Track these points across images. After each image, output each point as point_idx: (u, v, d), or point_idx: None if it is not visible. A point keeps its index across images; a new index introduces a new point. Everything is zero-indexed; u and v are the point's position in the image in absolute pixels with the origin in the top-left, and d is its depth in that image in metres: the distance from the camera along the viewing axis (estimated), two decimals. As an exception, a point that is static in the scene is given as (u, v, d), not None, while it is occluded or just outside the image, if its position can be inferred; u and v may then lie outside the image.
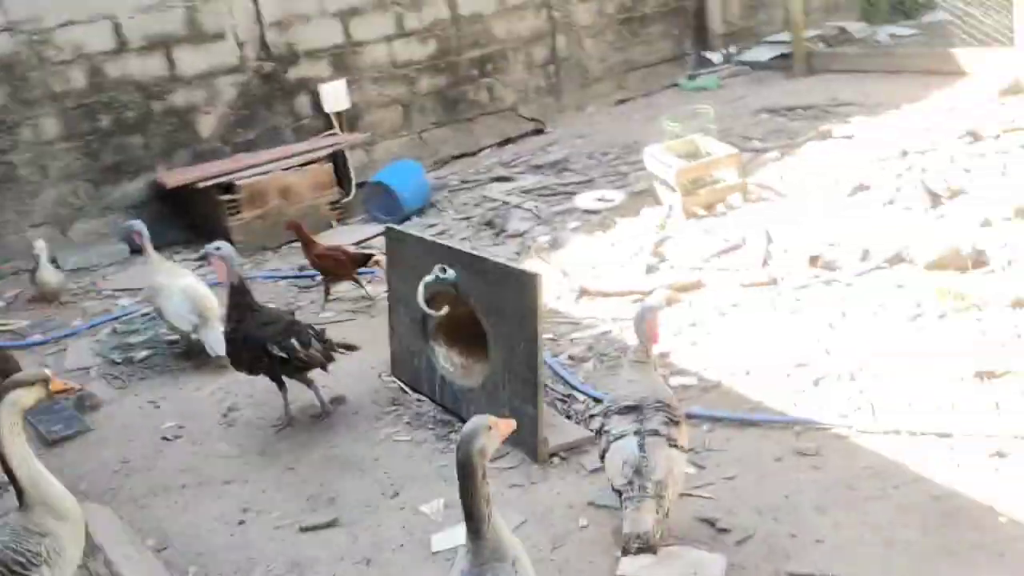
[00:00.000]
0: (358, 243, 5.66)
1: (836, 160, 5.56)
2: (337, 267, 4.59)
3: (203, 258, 3.50)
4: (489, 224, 5.59)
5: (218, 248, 3.23)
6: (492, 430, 1.86)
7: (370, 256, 4.62)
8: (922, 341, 3.35)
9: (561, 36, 7.75)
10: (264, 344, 3.15)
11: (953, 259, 3.93)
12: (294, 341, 3.15)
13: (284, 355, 3.16)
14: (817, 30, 8.91)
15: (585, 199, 5.69)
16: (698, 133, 5.56)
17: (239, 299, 3.17)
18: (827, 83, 7.50)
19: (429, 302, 3.23)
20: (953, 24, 7.65)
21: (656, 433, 2.48)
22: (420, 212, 6.06)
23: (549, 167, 6.68)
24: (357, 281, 4.67)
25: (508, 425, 1.92)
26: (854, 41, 8.85)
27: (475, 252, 3.15)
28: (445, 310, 3.24)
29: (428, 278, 3.13)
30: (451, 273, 3.11)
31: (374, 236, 5.67)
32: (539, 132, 7.70)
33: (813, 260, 4.17)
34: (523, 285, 2.84)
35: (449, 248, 3.26)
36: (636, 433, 2.47)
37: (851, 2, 9.73)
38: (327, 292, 4.69)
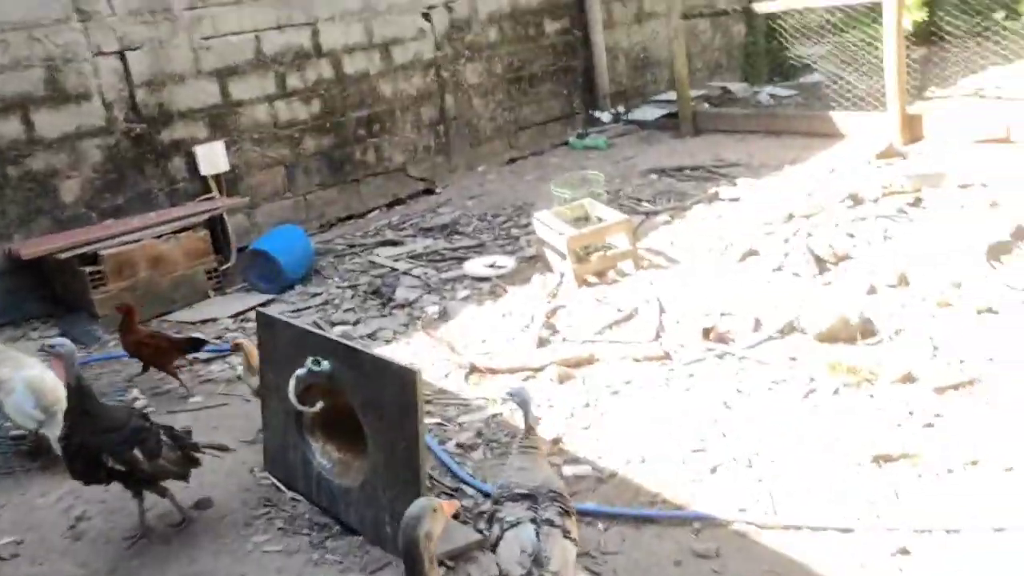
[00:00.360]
0: (236, 314, 5.33)
1: (725, 223, 5.57)
2: (157, 355, 4.22)
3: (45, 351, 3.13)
4: (376, 293, 5.34)
5: (56, 346, 2.87)
6: (437, 512, 1.76)
7: (200, 341, 4.28)
8: (817, 421, 3.28)
9: (450, 96, 7.64)
10: (99, 455, 2.80)
11: (842, 329, 3.92)
12: (137, 452, 2.79)
13: (123, 468, 2.81)
14: (702, 90, 9.11)
15: (475, 265, 5.51)
16: (588, 198, 5.49)
17: (76, 401, 2.81)
18: (713, 143, 7.62)
19: (303, 395, 2.97)
20: (828, 86, 7.94)
21: (551, 523, 2.31)
22: (304, 279, 5.76)
23: (439, 230, 6.50)
24: (174, 374, 4.27)
25: (452, 506, 1.85)
26: (737, 100, 9.09)
27: (350, 344, 2.91)
28: (320, 405, 2.98)
29: (300, 371, 2.86)
30: (325, 365, 2.85)
31: (254, 307, 5.35)
32: (429, 192, 7.53)
33: (706, 332, 4.09)
34: (402, 381, 2.62)
35: (323, 337, 3.00)
36: (532, 521, 2.30)
37: (733, 63, 10.02)
38: (176, 378, 4.31)
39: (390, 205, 7.34)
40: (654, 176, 6.94)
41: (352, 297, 5.37)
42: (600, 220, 5.34)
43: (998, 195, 5.25)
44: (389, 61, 7.20)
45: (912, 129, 6.54)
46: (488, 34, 7.82)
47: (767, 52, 9.95)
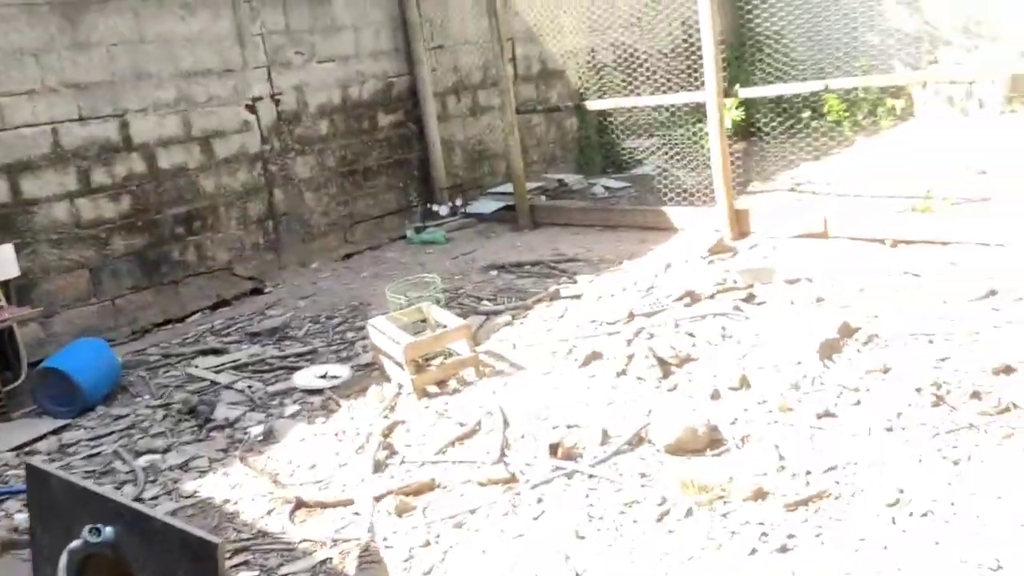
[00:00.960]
0: (20, 447, 4.63)
1: (567, 323, 5.44)
2: None
3: None
4: (192, 412, 4.80)
5: None
6: None
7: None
8: (673, 548, 3.08)
9: (279, 190, 7.26)
10: None
11: (690, 440, 3.79)
12: None
13: None
14: (539, 182, 9.16)
15: (306, 377, 5.09)
16: (425, 302, 5.22)
17: None
18: (551, 237, 7.59)
19: (84, 569, 2.46)
20: (658, 179, 8.16)
21: None
22: (108, 398, 5.14)
23: (267, 335, 6.03)
24: None
25: None
26: (573, 192, 9.19)
27: (139, 508, 2.45)
28: (102, 581, 2.48)
29: (74, 544, 2.37)
30: (107, 534, 2.38)
31: (45, 435, 4.68)
32: (258, 292, 7.05)
33: (553, 449, 3.85)
34: (200, 555, 2.20)
35: (106, 498, 2.53)
36: None
37: (568, 155, 10.18)
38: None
39: (214, 307, 6.80)
40: (494, 272, 6.78)
41: (164, 418, 4.80)
42: (439, 325, 5.08)
43: (822, 290, 5.41)
44: (210, 155, 6.76)
45: (740, 224, 6.73)
46: (319, 127, 7.54)
47: (600, 145, 10.20)
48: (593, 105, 7.39)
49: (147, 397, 5.16)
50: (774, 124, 7.71)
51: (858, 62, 10.68)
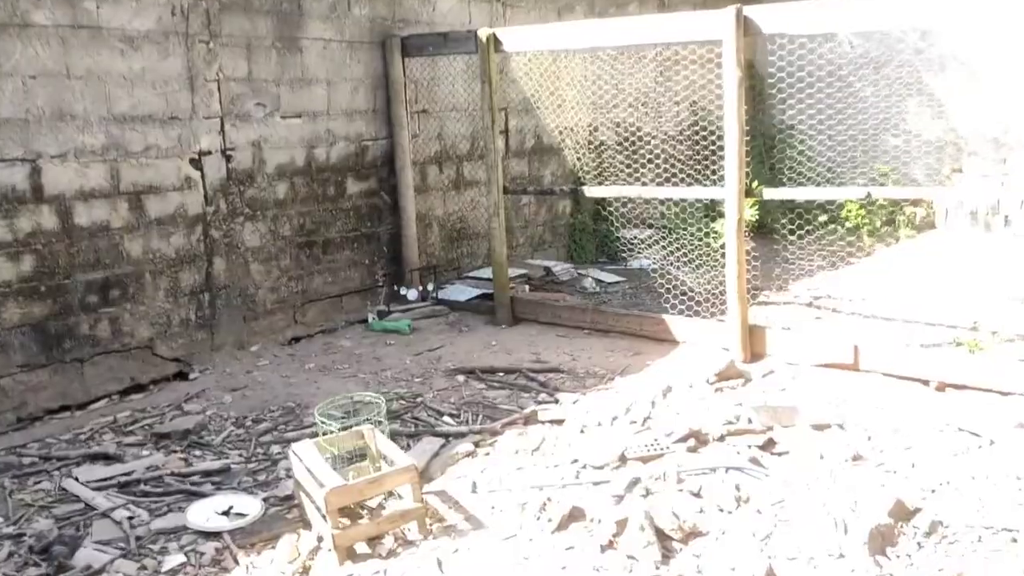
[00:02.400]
0: None
1: (542, 461, 4.39)
2: None
3: None
4: (45, 553, 3.68)
5: None
6: None
7: None
8: None
9: (220, 259, 6.23)
10: None
11: None
12: None
13: None
14: (523, 268, 8.20)
15: (204, 512, 3.98)
16: (368, 425, 4.16)
17: None
18: (532, 337, 6.58)
19: None
20: (656, 275, 7.22)
21: None
22: (-49, 517, 4.01)
23: (178, 438, 4.93)
24: None
25: None
26: (559, 284, 8.22)
27: None
28: None
29: None
30: None
31: None
32: (183, 376, 5.97)
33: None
34: None
35: None
36: None
37: (558, 240, 9.25)
38: None
39: (125, 392, 5.70)
40: (461, 378, 5.74)
41: (7, 558, 3.67)
42: (381, 456, 4.01)
43: (858, 442, 4.41)
44: (140, 213, 5.74)
45: (754, 344, 5.75)
46: (276, 190, 6.56)
47: (594, 232, 9.29)
48: (593, 192, 6.46)
49: (-1, 520, 4.03)
50: (791, 227, 6.82)
51: (878, 165, 9.91)
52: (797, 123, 8.68)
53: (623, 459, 4.32)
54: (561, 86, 8.37)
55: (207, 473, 4.45)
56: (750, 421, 4.70)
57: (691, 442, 4.46)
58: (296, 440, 4.34)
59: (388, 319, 7.04)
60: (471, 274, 8.03)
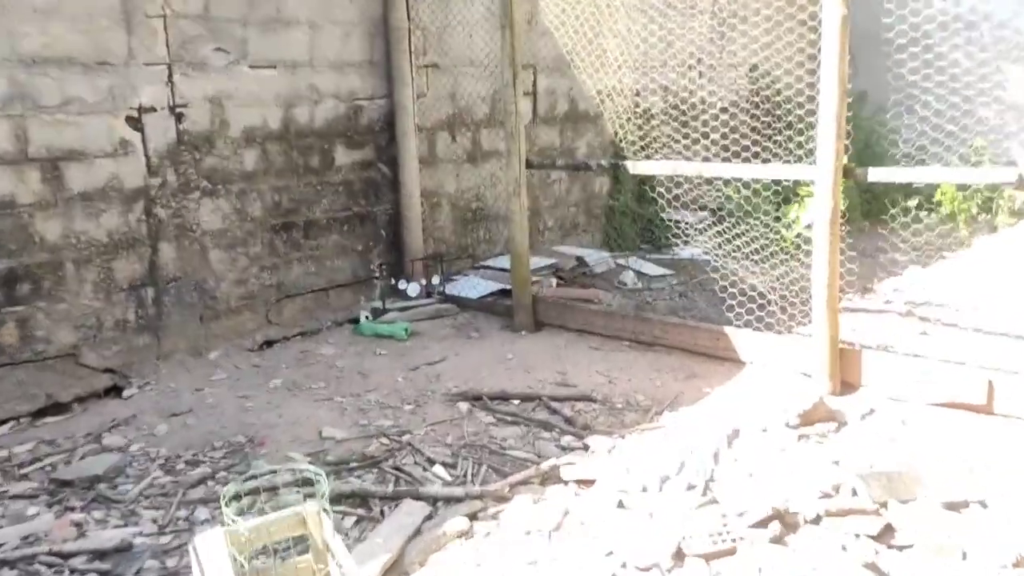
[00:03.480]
0: None
1: (561, 551, 3.10)
2: None
3: None
4: None
5: None
6: None
7: None
8: None
9: (168, 244, 4.99)
10: None
11: None
12: None
13: None
14: (550, 258, 6.88)
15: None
16: (311, 505, 2.88)
17: None
18: (558, 349, 5.27)
19: None
20: (710, 270, 5.86)
21: None
22: None
23: (83, 486, 3.72)
24: None
25: None
26: (594, 277, 6.89)
27: None
28: None
29: None
30: None
31: None
32: (118, 391, 4.76)
33: None
34: None
35: None
36: None
37: (593, 223, 7.90)
38: None
39: (39, 414, 4.49)
40: (464, 406, 4.45)
41: None
42: (326, 550, 2.74)
43: (1014, 534, 3.07)
44: (59, 186, 4.51)
45: (846, 370, 4.40)
46: (243, 159, 5.29)
47: (635, 215, 7.93)
48: (641, 168, 5.08)
49: None
50: (883, 214, 5.42)
51: (972, 140, 8.39)
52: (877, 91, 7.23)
53: (679, 555, 3.02)
54: (602, 41, 6.97)
55: (99, 554, 3.22)
56: (855, 493, 3.37)
57: (774, 527, 3.14)
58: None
59: (382, 320, 5.76)
60: (487, 263, 6.73)
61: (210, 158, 5.11)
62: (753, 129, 6.84)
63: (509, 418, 4.28)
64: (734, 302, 5.20)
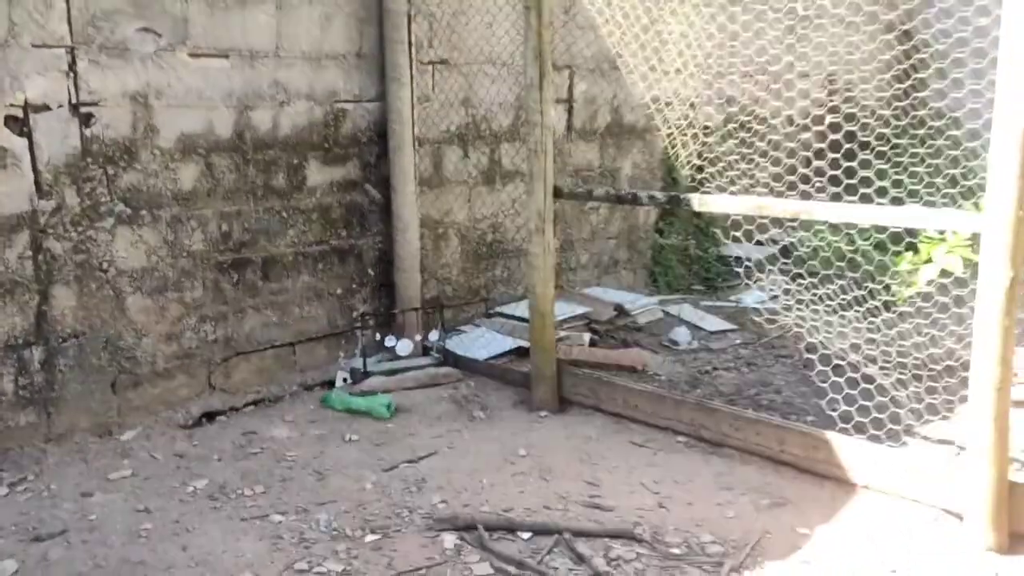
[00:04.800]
0: None
1: None
2: None
3: None
4: None
5: None
6: None
7: None
8: None
9: (65, 289, 3.71)
10: None
11: None
12: None
13: None
14: (581, 305, 5.51)
15: None
16: None
17: None
18: (589, 445, 3.89)
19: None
20: (790, 327, 4.44)
21: None
22: None
23: None
24: None
25: None
26: (636, 331, 5.51)
27: None
28: None
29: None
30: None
31: None
32: (-14, 488, 3.47)
33: None
34: None
35: None
36: None
37: (636, 258, 6.53)
38: None
39: None
40: (450, 542, 3.08)
41: None
42: None
43: None
44: None
45: (1016, 516, 2.97)
46: (179, 175, 3.99)
47: (686, 255, 6.55)
48: (713, 204, 3.66)
49: None
50: None
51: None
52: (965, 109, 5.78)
53: None
54: (658, 38, 5.60)
55: None
56: None
57: None
58: None
59: (363, 386, 4.43)
60: (503, 310, 5.38)
61: (131, 174, 3.82)
62: (818, 153, 5.44)
63: (513, 570, 2.90)
64: (826, 379, 3.79)
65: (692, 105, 6.40)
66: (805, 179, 4.22)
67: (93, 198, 3.71)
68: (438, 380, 4.57)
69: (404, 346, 4.67)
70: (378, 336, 4.74)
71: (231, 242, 4.23)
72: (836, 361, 4.00)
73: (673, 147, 5.37)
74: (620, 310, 5.64)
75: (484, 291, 5.47)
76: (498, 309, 5.44)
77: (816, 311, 4.53)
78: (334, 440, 3.95)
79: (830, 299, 4.48)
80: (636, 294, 6.15)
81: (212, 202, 4.12)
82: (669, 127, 5.97)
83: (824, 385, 3.83)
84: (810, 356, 4.78)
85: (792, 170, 4.24)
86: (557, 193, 4.12)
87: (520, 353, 4.84)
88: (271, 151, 4.31)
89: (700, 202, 3.69)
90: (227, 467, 3.67)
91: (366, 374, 4.54)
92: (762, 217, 3.73)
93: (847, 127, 4.21)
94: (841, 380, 3.76)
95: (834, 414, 4.04)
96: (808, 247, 5.17)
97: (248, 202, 4.25)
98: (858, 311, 4.39)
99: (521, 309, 5.12)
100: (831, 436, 3.47)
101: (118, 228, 3.81)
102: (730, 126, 5.96)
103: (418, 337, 4.74)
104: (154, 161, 3.88)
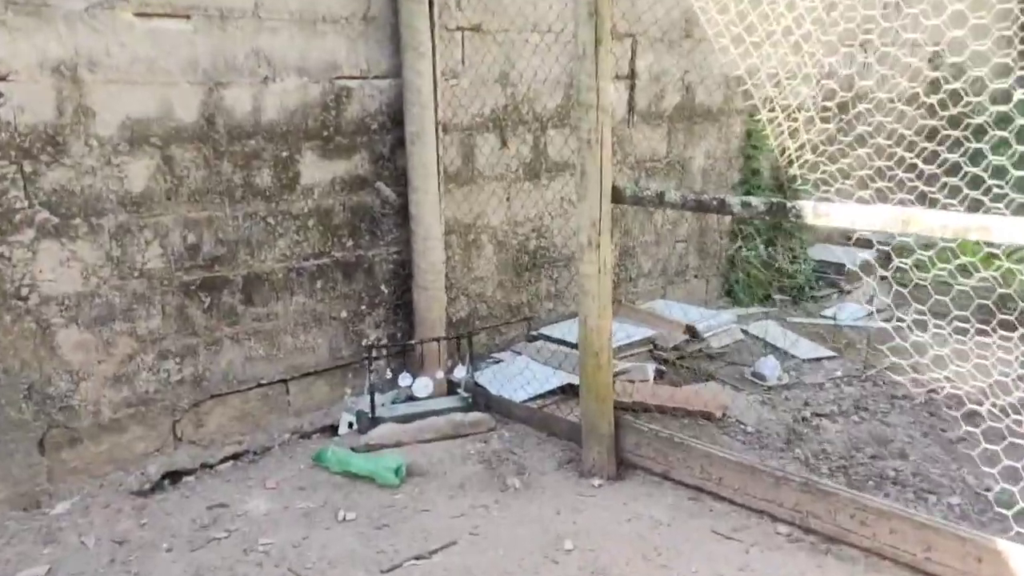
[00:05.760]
0: None
1: None
2: None
3: None
4: None
5: None
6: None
7: None
8: None
9: (-31, 325, 2.84)
10: None
11: None
12: None
13: None
14: (645, 326, 4.52)
15: None
16: None
17: None
18: (655, 534, 2.90)
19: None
20: (901, 349, 3.37)
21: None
22: None
23: None
24: None
25: None
26: (711, 358, 4.51)
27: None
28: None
29: None
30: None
31: None
32: None
33: None
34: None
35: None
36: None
37: (708, 265, 5.51)
38: None
39: None
40: None
41: None
42: None
43: None
44: None
45: None
46: (126, 172, 3.09)
47: (772, 260, 5.50)
48: (835, 216, 2.63)
49: None
50: None
51: None
52: None
53: None
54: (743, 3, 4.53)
55: None
56: None
57: None
58: None
59: (369, 438, 3.51)
60: (548, 332, 4.40)
61: (57, 172, 2.93)
62: (926, 136, 4.33)
63: None
64: (967, 438, 2.75)
65: (777, 81, 5.33)
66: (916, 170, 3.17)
67: (4, 204, 2.83)
68: (464, 430, 3.62)
69: (423, 385, 3.73)
70: (391, 370, 3.81)
71: (200, 257, 3.33)
72: (973, 407, 2.94)
73: (765, 133, 4.32)
74: (692, 332, 4.62)
75: (526, 309, 4.51)
76: (542, 331, 4.47)
77: (941, 335, 3.45)
78: (324, 519, 3.03)
79: (962, 322, 3.39)
80: (709, 309, 5.13)
81: (173, 207, 3.22)
82: (759, 109, 4.92)
83: (970, 452, 2.79)
84: (934, 395, 3.75)
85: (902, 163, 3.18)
86: (616, 197, 3.12)
87: (567, 392, 3.89)
88: (252, 141, 3.39)
89: (815, 213, 2.66)
90: (177, 562, 2.78)
91: (374, 420, 3.62)
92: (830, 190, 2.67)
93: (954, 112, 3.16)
94: (999, 449, 2.71)
95: (989, 495, 3.02)
96: (924, 252, 4.08)
97: (222, 206, 3.35)
98: (1005, 339, 3.31)
99: (570, 331, 4.14)
100: (1004, 547, 2.43)
101: (41, 242, 2.93)
102: (832, 107, 4.87)
103: (440, 375, 3.79)
104: (90, 154, 2.98)
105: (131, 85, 3.03)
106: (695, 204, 2.94)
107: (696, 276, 5.49)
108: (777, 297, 5.60)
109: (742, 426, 3.74)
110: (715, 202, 2.88)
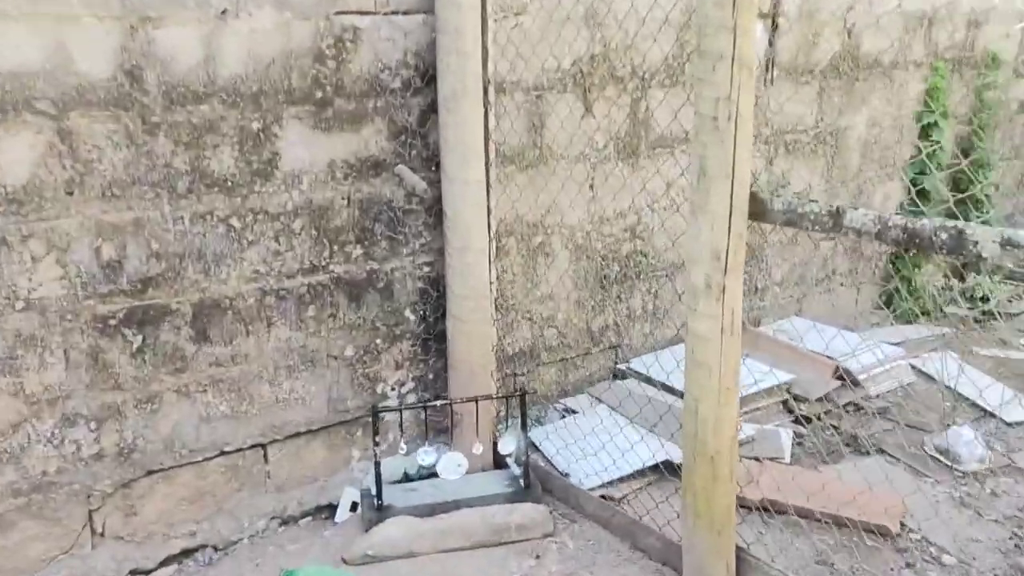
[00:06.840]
0: None
1: None
2: None
3: None
4: None
5: None
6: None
7: None
8: None
9: None
10: None
11: None
12: None
13: None
14: (773, 363, 3.28)
15: None
16: None
17: None
18: None
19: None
20: None
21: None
22: None
23: None
24: None
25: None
26: (874, 415, 3.23)
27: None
28: None
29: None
30: None
31: None
32: None
33: None
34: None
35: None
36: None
37: (858, 270, 4.16)
38: None
39: None
40: None
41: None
42: None
43: None
44: None
45: None
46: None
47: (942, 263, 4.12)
48: None
49: None
50: None
51: None
52: None
53: None
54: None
55: None
56: None
57: None
58: None
59: (370, 543, 2.41)
60: (641, 367, 3.20)
61: None
62: None
63: None
64: None
65: (929, 23, 3.90)
66: None
67: None
68: (507, 536, 2.48)
69: (453, 465, 2.59)
70: (404, 443, 2.69)
71: (124, 278, 2.27)
72: None
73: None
74: (844, 376, 3.32)
75: (611, 335, 3.31)
76: (633, 364, 3.28)
77: None
78: None
79: None
80: (861, 329, 3.81)
81: (78, 205, 2.16)
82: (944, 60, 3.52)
83: None
84: None
85: None
86: (756, 211, 1.86)
87: (663, 472, 2.70)
88: (203, 107, 2.28)
89: None
90: None
91: (381, 508, 2.51)
92: None
93: None
94: None
95: None
96: None
97: (158, 203, 2.26)
98: None
99: (671, 365, 2.93)
100: None
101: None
102: None
103: (479, 448, 2.63)
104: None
105: (0, 20, 1.96)
106: (904, 235, 1.66)
107: (843, 284, 4.15)
108: (951, 311, 4.22)
109: (930, 548, 2.47)
110: (944, 235, 1.59)
